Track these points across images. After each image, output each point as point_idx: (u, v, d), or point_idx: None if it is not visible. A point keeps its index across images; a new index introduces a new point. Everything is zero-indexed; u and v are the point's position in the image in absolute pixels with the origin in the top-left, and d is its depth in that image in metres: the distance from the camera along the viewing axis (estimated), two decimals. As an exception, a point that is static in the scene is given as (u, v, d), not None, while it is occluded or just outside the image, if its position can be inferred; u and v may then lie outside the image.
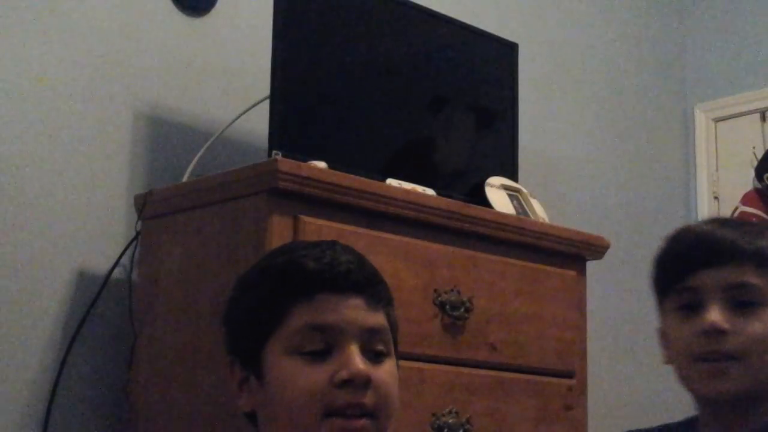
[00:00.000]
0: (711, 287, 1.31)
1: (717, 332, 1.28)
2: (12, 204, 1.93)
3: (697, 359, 1.31)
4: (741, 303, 1.30)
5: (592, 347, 2.21)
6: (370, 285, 1.16)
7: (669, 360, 1.38)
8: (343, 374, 1.09)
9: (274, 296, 1.13)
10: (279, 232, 1.68)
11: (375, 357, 1.13)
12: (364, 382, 1.09)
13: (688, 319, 1.33)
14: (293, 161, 1.72)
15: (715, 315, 1.29)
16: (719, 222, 1.40)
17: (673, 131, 3.44)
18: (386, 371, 1.14)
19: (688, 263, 1.34)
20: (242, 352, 1.16)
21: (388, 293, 1.20)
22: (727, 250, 1.32)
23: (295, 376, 1.10)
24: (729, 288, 1.30)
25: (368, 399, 1.10)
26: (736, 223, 1.43)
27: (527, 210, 2.19)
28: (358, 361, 1.10)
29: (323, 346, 1.11)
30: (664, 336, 1.39)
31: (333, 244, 1.18)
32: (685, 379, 1.35)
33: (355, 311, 1.13)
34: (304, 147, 1.93)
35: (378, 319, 1.15)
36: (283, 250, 1.20)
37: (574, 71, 3.13)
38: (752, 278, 1.30)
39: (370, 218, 1.81)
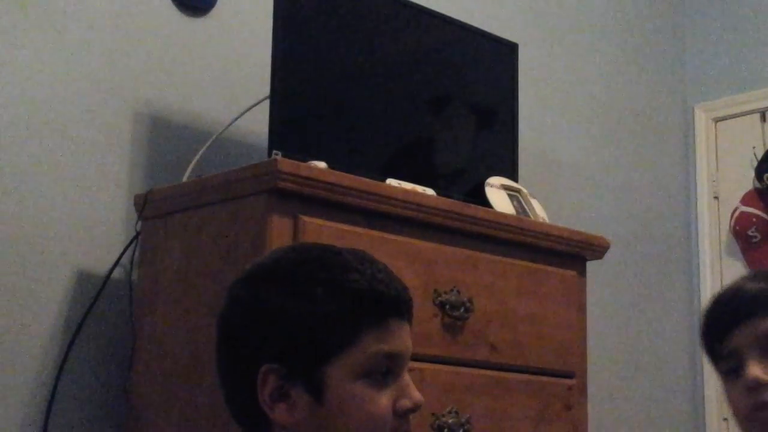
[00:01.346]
0: (746, 344, 1.31)
1: (759, 385, 1.28)
2: (12, 204, 1.93)
3: (751, 418, 1.30)
4: None
5: (592, 347, 2.22)
6: (412, 308, 1.20)
7: (737, 423, 1.38)
8: (408, 404, 1.13)
9: (347, 318, 1.12)
10: (279, 232, 1.68)
11: None
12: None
13: (735, 382, 1.33)
14: (293, 161, 1.72)
15: (753, 369, 1.29)
16: (748, 277, 1.40)
17: (673, 131, 3.44)
18: None
19: (720, 328, 1.35)
20: (292, 365, 1.13)
21: None
22: (752, 303, 1.33)
23: (365, 403, 1.11)
24: (762, 339, 1.30)
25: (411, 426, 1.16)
26: (765, 273, 1.42)
27: (527, 210, 2.19)
28: (416, 390, 1.15)
29: (386, 372, 1.13)
30: (727, 400, 1.40)
31: (375, 259, 1.18)
32: None
33: (409, 338, 1.17)
34: (304, 147, 1.93)
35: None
36: (345, 265, 1.15)
37: (574, 71, 3.13)
38: None
39: (370, 218, 1.81)
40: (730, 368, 1.34)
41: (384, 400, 1.12)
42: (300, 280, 1.14)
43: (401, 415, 1.12)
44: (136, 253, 2.01)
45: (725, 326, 1.34)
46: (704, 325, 1.40)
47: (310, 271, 1.15)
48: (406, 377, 1.15)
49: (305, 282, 1.14)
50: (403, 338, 1.15)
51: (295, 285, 1.14)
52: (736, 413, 1.33)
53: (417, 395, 1.14)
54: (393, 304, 1.14)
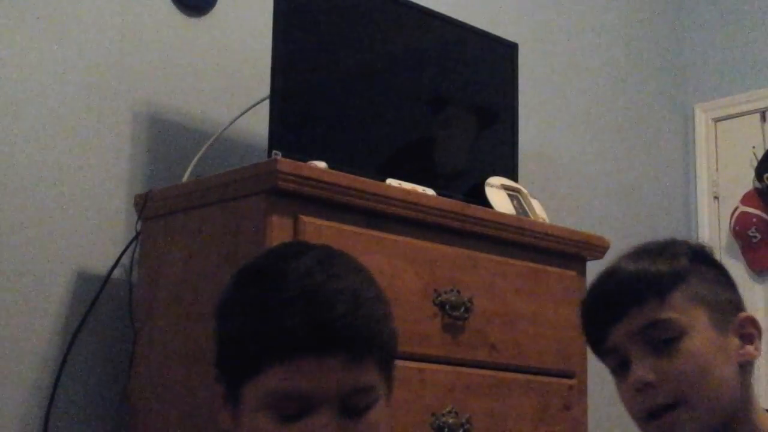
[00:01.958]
0: (625, 340, 1.24)
1: (645, 386, 1.21)
2: (12, 204, 1.93)
3: (645, 419, 1.24)
4: (660, 343, 1.22)
5: (592, 347, 2.21)
6: (357, 337, 1.03)
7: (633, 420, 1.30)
8: None
9: (253, 346, 1.03)
10: (279, 232, 1.68)
11: (357, 412, 1.05)
12: None
13: (623, 379, 1.26)
14: (293, 161, 1.72)
15: (638, 369, 1.22)
16: (620, 260, 1.30)
17: (673, 131, 3.44)
18: (368, 423, 1.05)
19: (598, 326, 1.27)
20: (224, 377, 1.10)
21: (381, 332, 1.08)
22: (624, 296, 1.25)
23: None
24: (640, 333, 1.23)
25: None
26: (635, 253, 1.30)
27: (527, 210, 2.18)
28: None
29: (296, 410, 1.02)
30: (619, 397, 1.31)
31: (334, 273, 1.05)
32: None
33: (334, 374, 1.02)
34: (304, 147, 1.93)
35: (360, 375, 1.04)
36: (282, 279, 1.05)
37: (574, 71, 3.13)
38: (659, 313, 1.23)
39: (370, 218, 1.81)
40: (615, 365, 1.27)
41: None
42: (242, 287, 1.09)
43: None
44: (136, 253, 2.01)
45: (601, 325, 1.26)
46: (583, 320, 1.31)
47: (252, 280, 1.08)
48: (321, 418, 1.01)
49: (243, 291, 1.08)
50: (315, 377, 1.00)
51: (237, 293, 1.09)
52: (630, 412, 1.26)
53: None
54: (305, 340, 1.00)
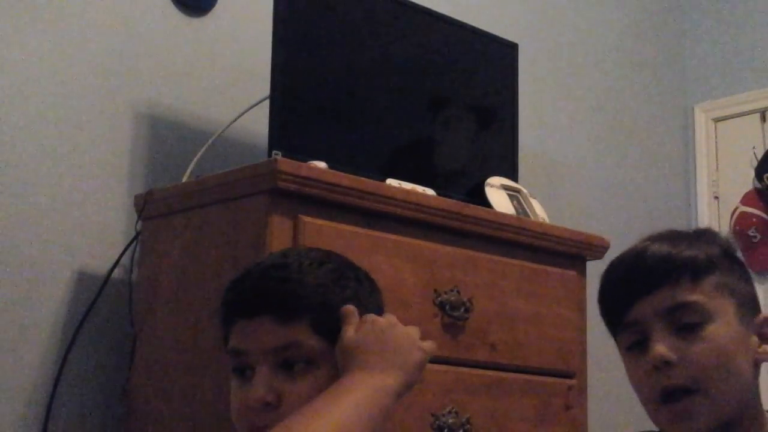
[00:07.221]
0: (650, 316, 1.22)
1: (664, 364, 1.19)
2: (12, 204, 1.93)
3: (659, 401, 1.21)
4: (685, 325, 1.21)
5: (592, 347, 2.21)
6: (282, 301, 1.16)
7: (642, 403, 1.27)
8: (248, 401, 1.15)
9: (220, 321, 1.23)
10: (279, 232, 1.68)
11: (293, 371, 1.14)
12: (263, 407, 1.13)
13: (638, 358, 1.23)
14: (293, 161, 1.72)
15: (659, 346, 1.20)
16: (651, 239, 1.29)
17: (673, 131, 3.44)
18: (304, 386, 1.13)
19: (623, 297, 1.26)
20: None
21: (314, 299, 1.16)
22: (657, 272, 1.23)
23: (232, 395, 1.19)
24: (668, 312, 1.21)
25: (276, 420, 1.09)
26: (669, 235, 1.29)
27: (527, 210, 2.18)
28: (256, 387, 1.14)
29: (243, 367, 1.17)
30: (629, 378, 1.28)
31: (281, 255, 1.22)
32: (658, 424, 1.25)
33: (261, 333, 1.15)
34: (304, 147, 1.93)
35: (289, 334, 1.14)
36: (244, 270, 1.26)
37: (574, 71, 3.13)
38: (690, 295, 1.22)
39: (370, 218, 1.81)
40: (632, 342, 1.25)
41: (240, 394, 1.16)
42: None
43: (251, 409, 1.14)
44: (136, 253, 2.01)
45: (627, 297, 1.25)
46: (603, 293, 1.30)
47: None
48: (259, 374, 1.14)
49: None
50: (245, 335, 1.16)
51: None
52: (641, 394, 1.25)
53: (253, 393, 1.13)
54: (234, 306, 1.19)
